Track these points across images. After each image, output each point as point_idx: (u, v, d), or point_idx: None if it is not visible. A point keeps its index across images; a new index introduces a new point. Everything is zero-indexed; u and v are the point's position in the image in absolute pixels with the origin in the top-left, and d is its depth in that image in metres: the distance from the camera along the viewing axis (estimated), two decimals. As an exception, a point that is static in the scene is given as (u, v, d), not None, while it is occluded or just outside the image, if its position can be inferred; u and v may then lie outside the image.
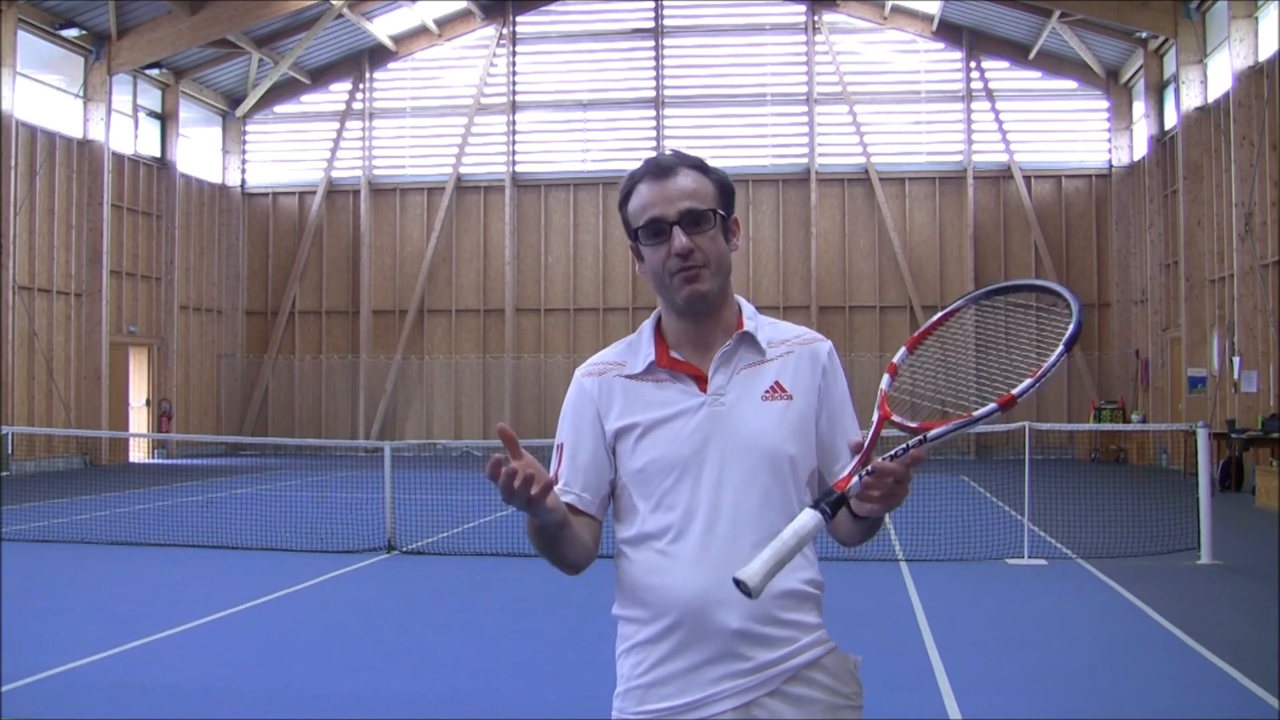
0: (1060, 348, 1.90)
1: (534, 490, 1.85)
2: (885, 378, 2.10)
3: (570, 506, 2.13)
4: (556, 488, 2.14)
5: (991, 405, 1.90)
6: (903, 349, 2.14)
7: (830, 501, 1.84)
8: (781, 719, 2.04)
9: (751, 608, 1.99)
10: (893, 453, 1.88)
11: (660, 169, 2.13)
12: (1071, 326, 1.92)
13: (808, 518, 1.82)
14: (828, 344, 2.23)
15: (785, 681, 2.05)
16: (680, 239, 2.07)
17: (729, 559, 2.01)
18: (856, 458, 1.92)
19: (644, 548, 2.11)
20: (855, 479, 1.87)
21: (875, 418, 2.03)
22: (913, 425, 1.95)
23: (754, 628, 2.03)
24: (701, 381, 2.13)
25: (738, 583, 1.79)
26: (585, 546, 2.13)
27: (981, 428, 2.09)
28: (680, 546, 2.07)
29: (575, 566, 2.14)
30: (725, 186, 2.16)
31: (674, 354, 2.16)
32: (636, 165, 2.20)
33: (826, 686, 2.09)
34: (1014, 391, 1.88)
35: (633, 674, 2.10)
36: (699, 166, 2.16)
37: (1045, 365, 1.90)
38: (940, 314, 2.17)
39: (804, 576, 2.10)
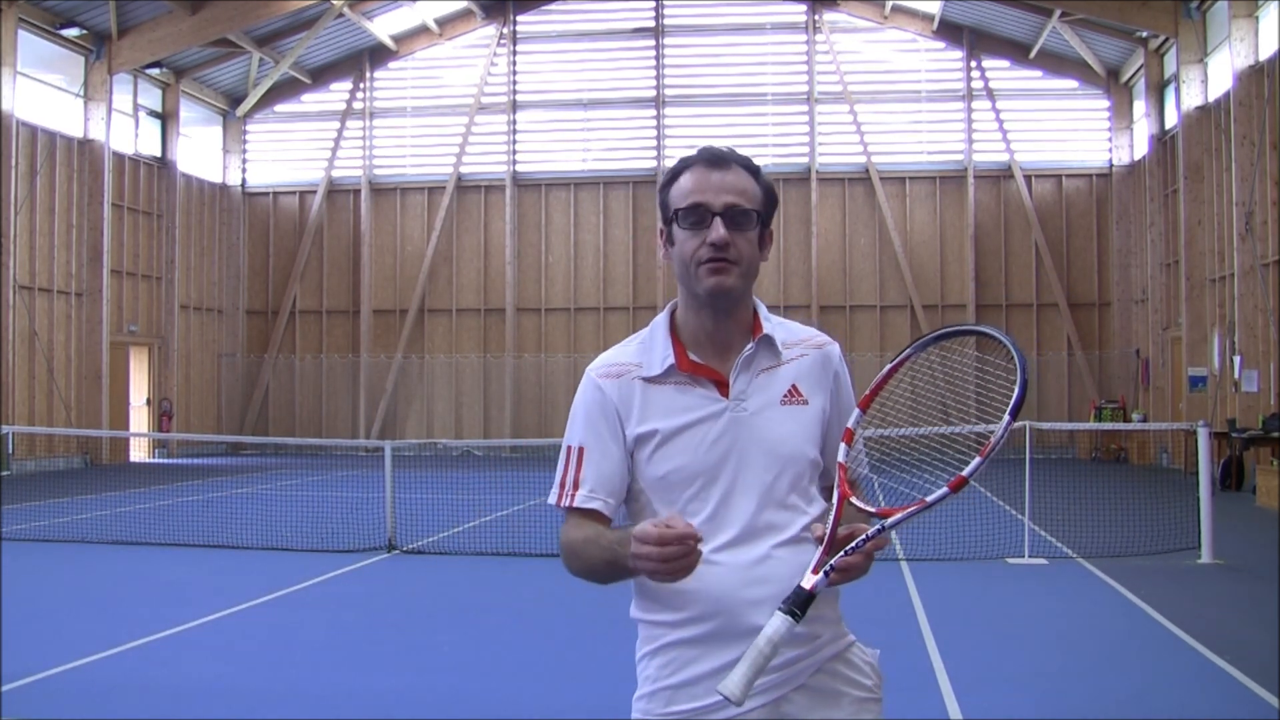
0: (1006, 417, 1.90)
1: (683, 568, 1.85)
2: (841, 447, 2.08)
3: (596, 513, 2.11)
4: (582, 493, 2.12)
5: (943, 490, 1.90)
6: (856, 410, 2.12)
7: (800, 603, 1.86)
8: (809, 713, 2.08)
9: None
10: (854, 544, 1.89)
11: (715, 158, 2.11)
12: (1016, 391, 1.91)
13: (780, 622, 1.84)
14: (837, 347, 2.25)
15: (811, 676, 2.09)
16: (719, 230, 2.06)
17: (756, 563, 2.05)
18: (820, 549, 1.92)
19: None
20: (820, 575, 1.88)
21: (835, 496, 2.01)
22: (872, 510, 1.96)
23: None
24: (722, 385, 2.11)
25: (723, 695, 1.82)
26: None
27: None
28: (707, 552, 2.05)
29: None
30: (771, 196, 2.16)
31: (693, 356, 2.14)
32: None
33: (849, 679, 2.14)
34: (964, 473, 1.90)
35: (660, 675, 2.10)
36: (752, 169, 2.14)
37: (993, 439, 1.88)
38: (888, 367, 2.14)
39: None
